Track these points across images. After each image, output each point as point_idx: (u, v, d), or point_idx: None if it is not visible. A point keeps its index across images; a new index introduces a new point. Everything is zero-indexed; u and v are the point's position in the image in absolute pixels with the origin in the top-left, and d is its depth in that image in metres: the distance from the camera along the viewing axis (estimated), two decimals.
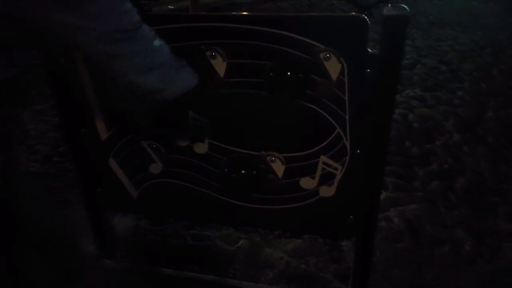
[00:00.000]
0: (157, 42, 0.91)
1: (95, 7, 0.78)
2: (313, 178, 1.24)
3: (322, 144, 1.18)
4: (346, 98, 1.09)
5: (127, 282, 1.62)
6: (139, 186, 1.44)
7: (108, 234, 1.69)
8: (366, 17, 0.98)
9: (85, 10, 0.77)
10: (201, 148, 1.30)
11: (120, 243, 1.82)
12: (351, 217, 1.28)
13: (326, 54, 1.04)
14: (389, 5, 0.97)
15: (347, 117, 1.12)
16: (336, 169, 1.21)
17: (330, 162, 1.20)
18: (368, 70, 1.03)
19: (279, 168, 1.26)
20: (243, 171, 1.31)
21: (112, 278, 1.64)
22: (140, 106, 1.04)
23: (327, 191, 1.25)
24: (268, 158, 1.26)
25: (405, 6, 0.95)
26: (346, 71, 1.05)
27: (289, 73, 1.11)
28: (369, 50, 1.02)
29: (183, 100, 1.00)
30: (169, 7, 5.22)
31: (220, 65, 1.14)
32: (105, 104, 1.31)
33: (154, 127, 1.30)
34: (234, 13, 1.11)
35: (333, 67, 1.05)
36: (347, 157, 1.18)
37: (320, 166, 1.21)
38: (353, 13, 1.05)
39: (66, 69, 1.27)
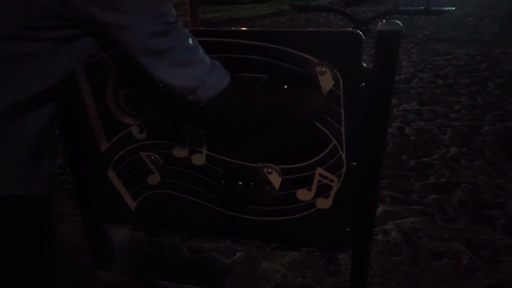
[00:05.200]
0: (191, 39, 0.87)
1: (139, 3, 0.76)
2: (310, 190, 1.25)
3: (319, 156, 1.19)
4: (342, 111, 1.11)
5: None
6: (137, 197, 1.44)
7: (105, 245, 1.68)
8: (360, 32, 1.00)
9: (129, 8, 0.75)
10: (198, 159, 1.31)
11: (117, 255, 1.81)
12: (347, 229, 1.28)
13: (321, 68, 1.06)
14: (383, 20, 0.99)
15: (342, 129, 1.13)
16: (332, 181, 1.22)
17: (327, 174, 1.21)
18: (363, 84, 1.05)
19: (275, 179, 1.27)
20: (239, 183, 1.32)
21: None
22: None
23: (323, 203, 1.26)
24: (264, 170, 1.27)
25: (399, 22, 0.97)
26: (341, 85, 1.07)
27: (284, 86, 1.12)
28: (364, 64, 1.04)
29: (217, 101, 0.93)
30: None
31: None
32: (105, 116, 1.32)
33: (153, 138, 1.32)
34: (233, 28, 1.13)
35: (328, 81, 1.07)
36: (343, 169, 1.19)
37: (317, 178, 1.22)
38: (350, 28, 1.07)
39: (66, 82, 1.28)
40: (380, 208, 2.11)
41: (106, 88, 1.28)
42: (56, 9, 0.71)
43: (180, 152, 1.32)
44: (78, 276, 1.70)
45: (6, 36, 0.71)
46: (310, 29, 1.09)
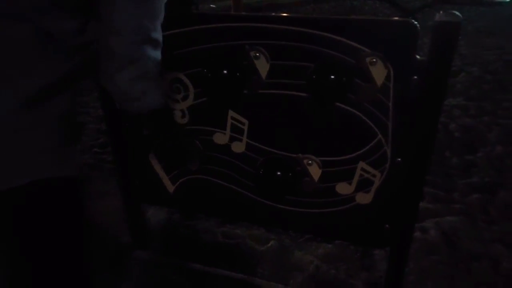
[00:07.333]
0: (159, 54, 0.91)
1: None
2: (350, 184, 1.22)
3: (362, 150, 1.16)
4: (390, 104, 1.07)
5: (157, 274, 1.66)
6: (176, 181, 1.47)
7: (142, 226, 1.73)
8: (416, 23, 0.96)
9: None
10: (238, 147, 1.31)
11: (153, 236, 1.86)
12: (387, 226, 1.25)
13: (372, 59, 1.02)
14: (441, 11, 0.94)
15: (389, 124, 1.09)
16: (374, 176, 1.18)
17: (369, 168, 1.18)
18: (415, 77, 1.00)
19: (315, 171, 1.25)
20: (278, 173, 1.31)
21: (143, 269, 1.68)
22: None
23: (363, 198, 1.23)
24: (304, 161, 1.25)
25: (458, 13, 0.92)
26: (392, 77, 1.03)
27: (332, 77, 1.09)
28: (418, 56, 0.99)
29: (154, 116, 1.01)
30: (211, 6, 5.28)
31: (263, 66, 1.15)
32: None
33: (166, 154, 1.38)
34: (282, 14, 1.10)
35: (379, 72, 1.03)
36: (387, 165, 1.15)
37: (358, 172, 1.19)
38: (396, 17, 1.02)
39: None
40: (419, 205, 2.05)
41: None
42: None
43: (220, 139, 1.32)
44: (115, 253, 1.76)
45: (29, 16, 0.70)
46: (361, 17, 1.05)
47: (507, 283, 1.60)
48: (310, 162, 1.24)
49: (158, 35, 0.85)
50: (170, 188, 1.49)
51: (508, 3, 7.07)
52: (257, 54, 1.13)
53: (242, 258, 1.74)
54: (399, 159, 1.13)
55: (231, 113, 1.26)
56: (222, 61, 1.19)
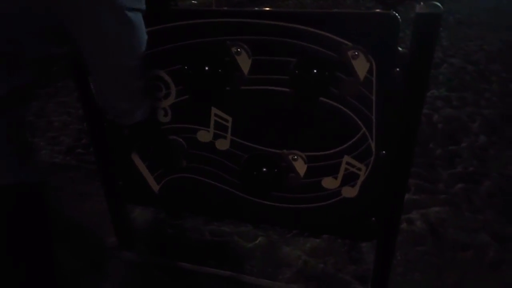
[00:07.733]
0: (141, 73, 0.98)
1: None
2: (336, 178, 1.22)
3: (347, 144, 1.16)
4: (373, 97, 1.06)
5: (145, 274, 1.64)
6: (160, 181, 1.45)
7: (128, 226, 1.70)
8: (397, 14, 0.95)
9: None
10: (223, 144, 1.30)
11: (140, 236, 1.84)
12: (373, 219, 1.25)
13: (354, 52, 1.01)
14: (421, 2, 0.94)
15: (373, 117, 1.09)
16: (359, 169, 1.18)
17: (354, 162, 1.18)
18: (398, 69, 1.00)
19: (301, 167, 1.24)
20: (264, 169, 1.30)
21: (131, 270, 1.66)
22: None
23: (349, 192, 1.23)
24: (290, 157, 1.24)
25: (439, 4, 0.92)
26: (374, 70, 1.03)
27: (314, 71, 1.08)
28: (400, 48, 0.99)
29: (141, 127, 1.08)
30: (193, 1, 5.22)
31: (245, 62, 1.13)
32: None
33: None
34: (262, 9, 1.09)
35: (361, 65, 1.03)
36: (372, 158, 1.15)
37: (344, 166, 1.19)
38: (377, 10, 1.02)
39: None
40: (405, 197, 2.06)
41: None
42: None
43: (204, 137, 1.31)
44: (102, 255, 1.74)
45: None
46: (342, 10, 1.04)
47: (493, 272, 1.63)
48: (295, 157, 1.23)
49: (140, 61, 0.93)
50: (155, 187, 1.47)
51: None
52: (239, 50, 1.12)
53: (230, 256, 1.73)
54: (384, 152, 1.14)
55: (214, 110, 1.25)
56: (204, 57, 1.18)
